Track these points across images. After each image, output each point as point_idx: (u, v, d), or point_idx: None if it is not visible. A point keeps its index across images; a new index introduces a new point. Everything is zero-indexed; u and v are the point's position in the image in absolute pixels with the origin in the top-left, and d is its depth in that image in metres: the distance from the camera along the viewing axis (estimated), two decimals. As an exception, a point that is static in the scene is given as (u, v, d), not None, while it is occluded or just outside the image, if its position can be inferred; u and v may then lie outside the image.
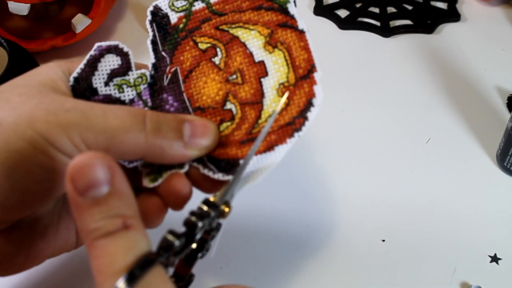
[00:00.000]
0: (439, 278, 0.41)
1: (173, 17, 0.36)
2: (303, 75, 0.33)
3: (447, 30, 0.61)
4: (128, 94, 0.34)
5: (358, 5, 0.64)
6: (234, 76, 0.34)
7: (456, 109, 0.53)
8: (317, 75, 0.32)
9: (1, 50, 0.49)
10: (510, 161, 0.46)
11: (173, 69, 0.35)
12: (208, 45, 0.35)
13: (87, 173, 0.24)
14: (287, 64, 0.33)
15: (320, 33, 0.61)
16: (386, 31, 0.60)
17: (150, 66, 0.35)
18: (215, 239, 0.30)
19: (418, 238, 0.43)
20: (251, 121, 0.33)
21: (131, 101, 0.34)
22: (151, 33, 0.36)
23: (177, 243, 0.26)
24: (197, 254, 0.30)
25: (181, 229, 0.28)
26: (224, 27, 0.35)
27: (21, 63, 0.48)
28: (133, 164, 0.33)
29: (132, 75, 0.34)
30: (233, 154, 0.32)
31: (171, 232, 0.27)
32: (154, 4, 0.36)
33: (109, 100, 0.34)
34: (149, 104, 0.34)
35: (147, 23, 0.36)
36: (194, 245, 0.29)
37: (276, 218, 0.44)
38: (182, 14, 0.36)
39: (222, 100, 0.34)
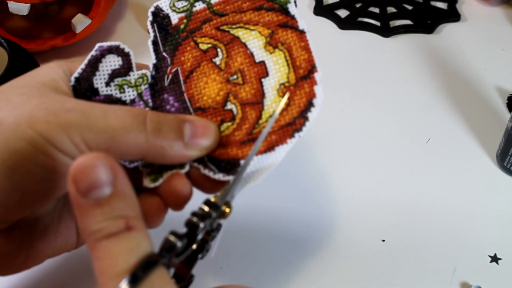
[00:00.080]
0: (439, 278, 0.41)
1: (174, 18, 0.36)
2: (303, 75, 0.33)
3: (447, 30, 0.61)
4: (129, 94, 0.34)
5: (358, 5, 0.64)
6: (235, 77, 0.34)
7: (456, 109, 0.53)
8: (317, 75, 0.32)
9: (1, 50, 0.49)
10: (510, 161, 0.46)
11: (174, 70, 0.35)
12: (209, 45, 0.35)
13: (89, 174, 0.24)
14: (288, 65, 0.33)
15: (320, 33, 0.61)
16: (386, 31, 0.60)
17: (151, 66, 0.35)
18: (216, 239, 0.30)
19: (418, 238, 0.43)
20: (251, 122, 0.33)
21: (132, 102, 0.34)
22: (152, 34, 0.36)
23: (179, 244, 0.26)
24: (198, 254, 0.30)
25: (182, 230, 0.28)
26: (225, 27, 0.35)
27: (21, 63, 0.48)
28: (133, 164, 0.33)
29: (133, 76, 0.34)
30: (233, 154, 0.32)
31: (173, 233, 0.27)
32: (155, 4, 0.36)
33: (110, 100, 0.34)
34: (150, 104, 0.34)
35: (148, 23, 0.36)
36: (194, 246, 0.29)
37: (276, 218, 0.44)
38: (183, 14, 0.36)
39: (222, 101, 0.34)
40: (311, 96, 0.32)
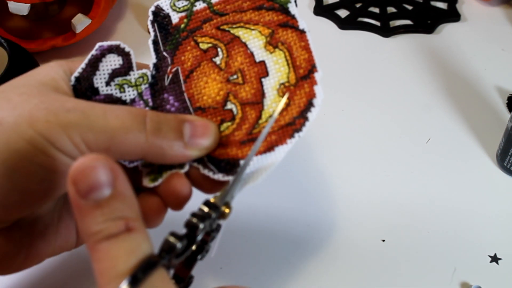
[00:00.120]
0: (439, 278, 0.41)
1: (175, 17, 0.36)
2: (303, 75, 0.33)
3: (447, 30, 0.61)
4: (129, 94, 0.34)
5: (358, 5, 0.64)
6: (235, 76, 0.34)
7: (456, 109, 0.53)
8: (317, 75, 0.32)
9: (1, 50, 0.49)
10: (510, 161, 0.46)
11: (174, 69, 0.35)
12: (209, 45, 0.35)
13: (89, 175, 0.24)
14: (288, 64, 0.33)
15: (320, 33, 0.61)
16: (386, 31, 0.60)
17: (151, 66, 0.35)
18: (215, 240, 0.30)
19: (418, 238, 0.43)
20: (251, 121, 0.33)
21: (132, 101, 0.34)
22: (152, 33, 0.36)
23: (179, 245, 0.26)
24: (197, 255, 0.30)
25: (182, 230, 0.28)
26: (225, 27, 0.35)
27: (21, 63, 0.48)
28: (133, 164, 0.33)
29: (133, 75, 0.34)
30: (233, 154, 0.32)
31: (173, 234, 0.27)
32: (155, 4, 0.36)
33: (110, 100, 0.34)
34: (150, 104, 0.34)
35: (149, 23, 0.36)
36: (194, 247, 0.29)
37: (276, 218, 0.44)
38: (183, 14, 0.36)
39: (222, 100, 0.34)
40: (311, 96, 0.32)
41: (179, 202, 0.32)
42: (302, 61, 0.33)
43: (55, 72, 0.33)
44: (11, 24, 0.58)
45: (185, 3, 0.36)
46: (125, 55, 0.34)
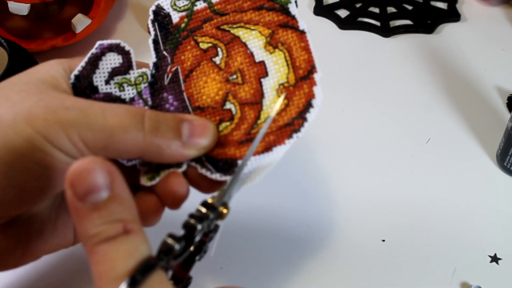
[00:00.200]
0: (439, 278, 0.41)
1: (175, 17, 0.36)
2: (303, 76, 0.32)
3: (447, 30, 0.61)
4: (129, 92, 0.34)
5: (358, 5, 0.64)
6: (234, 76, 0.34)
7: (456, 109, 0.53)
8: (317, 76, 0.32)
9: (1, 50, 0.49)
10: (510, 161, 0.46)
11: (174, 69, 0.35)
12: (209, 44, 0.35)
13: (86, 178, 0.24)
14: (288, 65, 0.33)
15: (320, 33, 0.61)
16: (386, 31, 0.60)
17: (151, 65, 0.35)
18: (214, 240, 0.30)
19: (418, 238, 0.43)
20: (250, 122, 0.33)
21: (132, 100, 0.34)
22: (153, 32, 0.36)
23: (177, 246, 0.26)
24: (195, 256, 0.30)
25: (180, 232, 0.28)
26: (225, 27, 0.35)
27: (21, 63, 0.48)
28: (131, 163, 0.33)
29: (133, 74, 0.34)
30: (231, 154, 0.32)
31: (171, 235, 0.27)
32: (156, 3, 0.36)
33: (110, 98, 0.34)
34: (149, 103, 0.34)
35: (149, 22, 0.36)
36: (192, 248, 0.29)
37: (276, 218, 0.44)
38: (184, 13, 0.36)
39: (221, 100, 0.34)
40: (310, 97, 0.32)
41: (176, 201, 0.32)
42: (301, 61, 0.33)
43: (54, 70, 0.33)
44: (11, 24, 0.58)
45: (186, 2, 0.36)
46: (125, 54, 0.34)
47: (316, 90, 0.32)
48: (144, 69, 0.35)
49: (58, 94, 0.31)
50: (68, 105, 0.30)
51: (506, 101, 0.53)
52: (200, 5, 0.35)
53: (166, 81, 0.35)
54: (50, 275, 0.40)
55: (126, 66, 0.34)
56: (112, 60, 0.34)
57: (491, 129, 0.51)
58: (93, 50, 0.34)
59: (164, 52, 0.35)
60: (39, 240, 0.33)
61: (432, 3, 0.64)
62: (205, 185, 0.33)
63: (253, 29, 0.34)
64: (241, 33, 0.34)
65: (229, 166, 0.32)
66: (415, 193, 0.46)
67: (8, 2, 0.52)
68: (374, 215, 0.44)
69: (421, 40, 0.60)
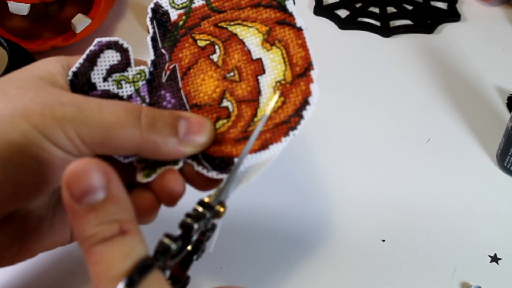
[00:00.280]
0: (439, 278, 0.41)
1: (173, 14, 0.36)
2: (300, 73, 0.32)
3: (447, 30, 0.61)
4: (127, 90, 0.34)
5: (358, 5, 0.64)
6: (232, 74, 0.34)
7: (456, 109, 0.53)
8: (314, 73, 0.32)
9: (1, 50, 0.49)
10: (510, 161, 0.46)
11: (171, 66, 0.35)
12: (207, 42, 0.35)
13: (82, 179, 0.24)
14: (284, 62, 0.33)
15: (320, 33, 0.61)
16: (386, 31, 0.60)
17: (149, 62, 0.35)
18: (211, 239, 0.30)
19: (418, 238, 0.43)
20: (247, 119, 0.33)
21: (129, 97, 0.34)
22: (151, 30, 0.36)
23: (173, 246, 0.26)
24: (193, 256, 0.30)
25: (176, 231, 0.28)
26: (223, 24, 0.35)
27: (21, 63, 0.48)
28: (128, 160, 0.33)
29: (131, 71, 0.34)
30: (228, 151, 0.32)
31: (167, 235, 0.27)
32: (155, 1, 0.36)
33: (107, 95, 0.34)
34: (147, 100, 0.34)
35: (148, 20, 0.36)
36: (189, 247, 0.29)
37: (276, 218, 0.44)
38: (182, 11, 0.36)
39: (219, 98, 0.34)
40: (307, 94, 0.32)
41: (172, 198, 0.32)
42: (298, 59, 0.33)
43: (53, 67, 0.33)
44: (11, 24, 0.58)
45: (184, 0, 0.36)
46: (123, 51, 0.34)
47: (313, 87, 0.32)
48: (142, 67, 0.35)
49: (55, 90, 0.31)
50: (64, 101, 0.30)
51: (506, 101, 0.53)
52: (198, 3, 0.35)
53: (164, 79, 0.34)
54: (47, 275, 0.39)
55: (124, 64, 0.34)
56: (110, 58, 0.34)
57: (491, 129, 0.50)
58: (92, 47, 0.34)
59: (162, 50, 0.35)
60: (35, 237, 0.33)
61: (432, 3, 0.64)
62: (202, 183, 0.33)
63: (250, 26, 0.34)
64: (239, 30, 0.34)
65: (225, 164, 0.32)
66: (415, 193, 0.46)
67: (8, 2, 0.52)
68: (374, 215, 0.44)
69: (421, 40, 0.60)
